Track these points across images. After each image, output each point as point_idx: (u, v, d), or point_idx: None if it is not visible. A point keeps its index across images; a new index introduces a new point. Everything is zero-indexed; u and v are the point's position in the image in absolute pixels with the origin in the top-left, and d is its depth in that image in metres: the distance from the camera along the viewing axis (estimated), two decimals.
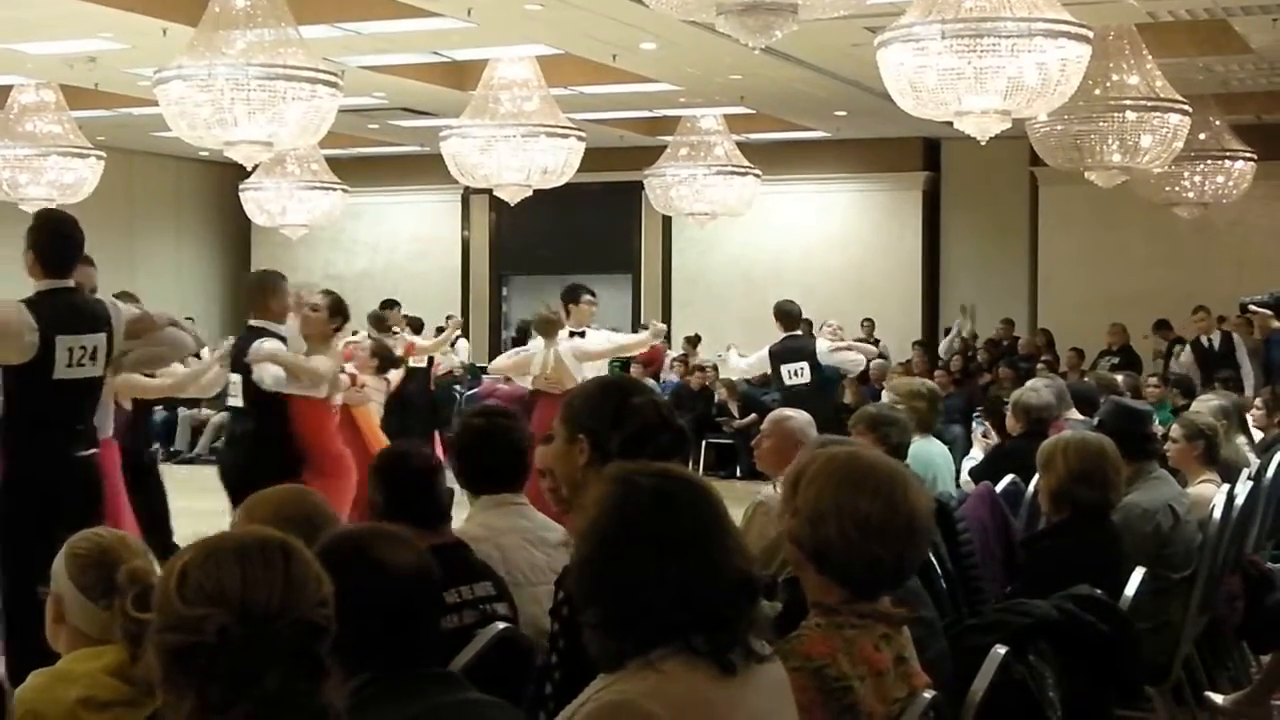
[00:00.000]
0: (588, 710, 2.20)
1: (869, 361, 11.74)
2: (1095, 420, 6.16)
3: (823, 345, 10.46)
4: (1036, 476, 5.05)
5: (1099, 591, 3.75)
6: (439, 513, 3.64)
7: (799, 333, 10.72)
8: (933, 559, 3.84)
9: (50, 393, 5.00)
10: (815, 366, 10.24)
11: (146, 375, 6.83)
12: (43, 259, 5.08)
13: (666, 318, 17.02)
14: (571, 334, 9.43)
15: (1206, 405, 7.12)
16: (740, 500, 4.87)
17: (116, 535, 2.94)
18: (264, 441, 6.60)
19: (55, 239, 5.14)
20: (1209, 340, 14.35)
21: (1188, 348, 14.34)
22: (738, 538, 2.35)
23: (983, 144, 8.03)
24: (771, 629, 2.53)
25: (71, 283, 5.14)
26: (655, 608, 2.22)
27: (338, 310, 7.17)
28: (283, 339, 6.75)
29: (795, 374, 10.23)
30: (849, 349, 10.74)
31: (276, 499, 3.17)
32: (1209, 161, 12.99)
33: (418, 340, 12.18)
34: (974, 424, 7.72)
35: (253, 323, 6.80)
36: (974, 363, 16.49)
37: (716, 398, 16.26)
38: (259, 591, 1.87)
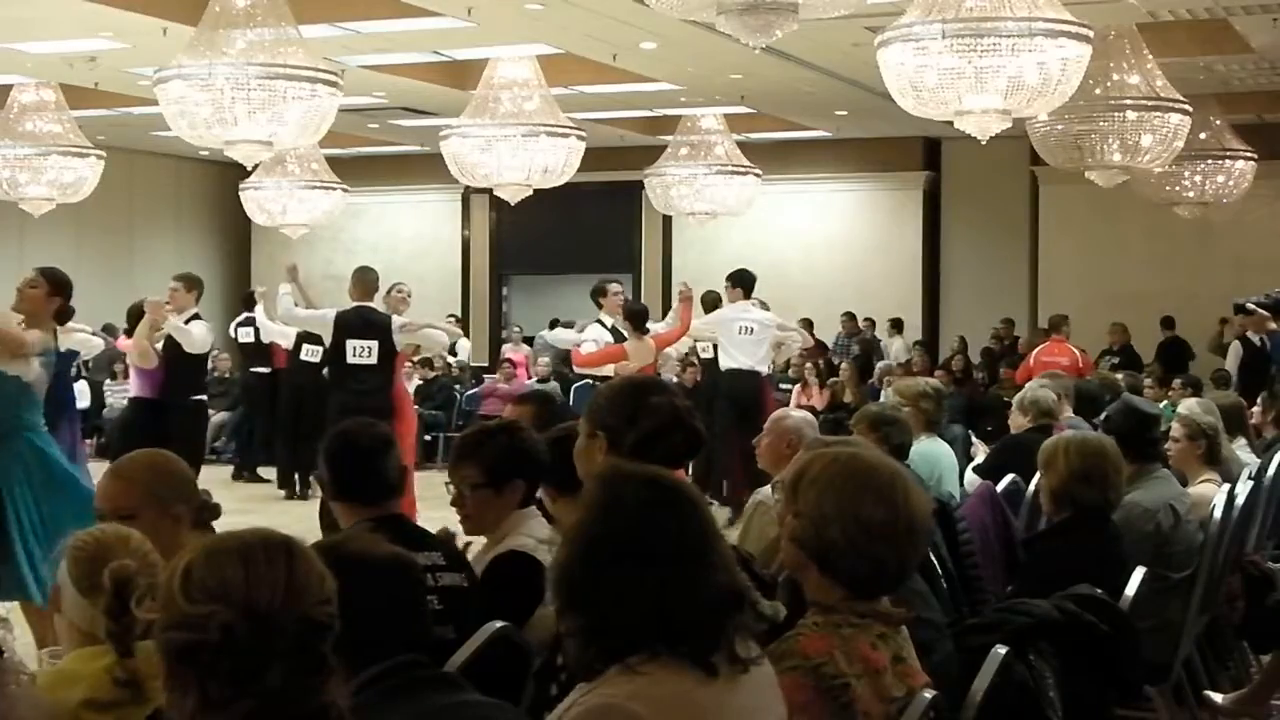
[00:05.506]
0: (573, 715, 2.19)
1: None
2: (1102, 417, 6.15)
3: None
4: (1038, 475, 5.05)
5: (1099, 591, 3.75)
6: (386, 488, 3.75)
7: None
8: (933, 559, 3.84)
9: None
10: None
11: None
12: None
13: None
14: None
15: (1188, 406, 7.09)
16: None
17: (120, 533, 2.93)
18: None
19: None
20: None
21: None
22: (723, 552, 2.31)
23: (983, 144, 8.03)
24: (767, 633, 2.50)
25: None
26: (631, 619, 2.20)
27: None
28: None
29: None
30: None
31: (145, 459, 3.46)
32: (1209, 161, 12.99)
33: None
34: (973, 443, 7.73)
35: None
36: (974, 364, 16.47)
37: None
38: (262, 589, 1.88)
